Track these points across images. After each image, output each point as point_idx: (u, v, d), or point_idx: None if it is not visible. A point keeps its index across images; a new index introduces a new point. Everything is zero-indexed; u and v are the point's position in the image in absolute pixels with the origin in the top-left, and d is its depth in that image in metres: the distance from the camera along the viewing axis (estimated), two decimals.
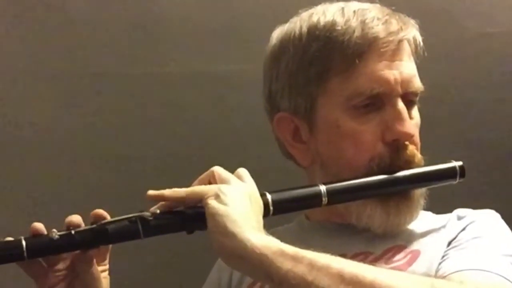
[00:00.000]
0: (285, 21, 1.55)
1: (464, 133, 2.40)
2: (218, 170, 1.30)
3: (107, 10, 2.32)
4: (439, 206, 1.52)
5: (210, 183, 1.30)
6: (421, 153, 1.47)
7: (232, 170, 1.33)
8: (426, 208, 1.50)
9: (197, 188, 1.28)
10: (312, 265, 1.16)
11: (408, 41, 1.46)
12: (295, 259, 1.16)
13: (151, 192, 1.30)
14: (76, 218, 1.28)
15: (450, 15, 2.40)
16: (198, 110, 2.35)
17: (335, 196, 1.38)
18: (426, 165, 1.46)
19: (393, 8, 1.48)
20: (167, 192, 1.29)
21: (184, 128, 2.34)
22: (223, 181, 1.28)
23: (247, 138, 2.30)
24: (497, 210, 1.50)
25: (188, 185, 1.31)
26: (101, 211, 1.28)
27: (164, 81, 2.34)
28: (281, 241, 1.20)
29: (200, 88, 2.35)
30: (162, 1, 2.34)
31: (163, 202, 1.30)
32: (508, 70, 2.42)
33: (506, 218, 1.49)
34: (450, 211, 1.51)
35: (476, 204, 1.53)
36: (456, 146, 2.35)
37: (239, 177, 1.30)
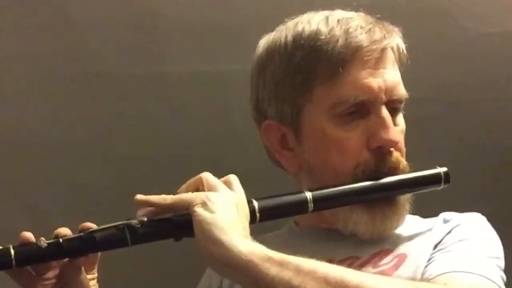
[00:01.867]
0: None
1: (463, 134, 2.40)
2: (206, 176, 1.31)
3: (107, 10, 2.32)
4: (428, 208, 1.52)
5: (197, 189, 1.31)
6: (413, 158, 1.48)
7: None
8: (414, 211, 1.51)
9: (184, 196, 1.29)
10: (298, 270, 1.17)
11: (392, 49, 1.47)
12: (281, 264, 1.18)
13: (139, 196, 1.31)
14: (64, 231, 1.29)
15: (450, 15, 2.40)
16: (198, 110, 2.35)
17: (321, 202, 1.39)
18: (412, 171, 1.47)
19: (378, 16, 1.49)
20: (154, 198, 1.30)
21: (184, 128, 2.34)
22: (211, 188, 1.28)
23: (247, 138, 2.29)
24: (486, 213, 1.51)
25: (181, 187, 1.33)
26: (89, 224, 1.29)
27: (164, 81, 2.35)
28: (271, 247, 1.22)
29: (200, 88, 2.35)
30: (162, 1, 2.34)
31: (150, 208, 1.30)
32: (508, 70, 2.41)
33: (495, 221, 1.50)
34: (439, 213, 1.53)
35: (465, 207, 1.53)
36: (455, 146, 2.35)
37: (228, 184, 1.31)
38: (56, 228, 1.29)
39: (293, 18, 1.53)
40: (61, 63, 2.30)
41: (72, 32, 2.32)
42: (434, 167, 1.49)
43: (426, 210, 1.53)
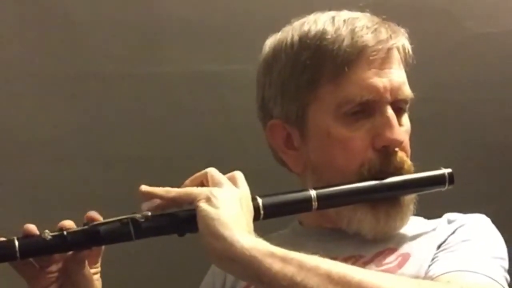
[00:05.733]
0: (285, 21, 1.56)
1: (463, 134, 2.40)
2: (211, 172, 1.32)
3: (107, 10, 2.32)
4: (430, 209, 1.52)
5: (202, 183, 1.32)
6: (415, 158, 1.48)
7: (230, 170, 1.34)
8: (418, 211, 1.51)
9: (189, 190, 1.29)
10: (301, 266, 1.18)
11: (398, 49, 1.47)
12: (284, 260, 1.18)
13: (143, 187, 1.32)
14: (68, 223, 1.29)
15: (450, 15, 2.40)
16: (198, 110, 2.35)
17: (325, 201, 1.39)
18: (416, 171, 1.47)
19: (383, 17, 1.49)
20: (159, 190, 1.31)
21: (184, 128, 2.34)
22: (215, 184, 1.29)
23: (247, 138, 2.30)
24: (489, 213, 1.51)
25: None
26: (94, 214, 1.29)
27: (164, 81, 2.35)
28: (275, 245, 1.21)
29: (200, 88, 2.36)
30: (162, 1, 2.34)
31: (155, 200, 1.31)
32: (508, 70, 2.41)
33: (499, 221, 1.50)
34: (441, 214, 1.53)
35: (469, 207, 1.53)
36: (455, 146, 2.35)
37: (233, 180, 1.32)
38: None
39: (299, 19, 1.53)
40: (61, 63, 2.30)
41: (72, 32, 2.31)
42: (438, 168, 1.49)
43: (429, 211, 1.53)
